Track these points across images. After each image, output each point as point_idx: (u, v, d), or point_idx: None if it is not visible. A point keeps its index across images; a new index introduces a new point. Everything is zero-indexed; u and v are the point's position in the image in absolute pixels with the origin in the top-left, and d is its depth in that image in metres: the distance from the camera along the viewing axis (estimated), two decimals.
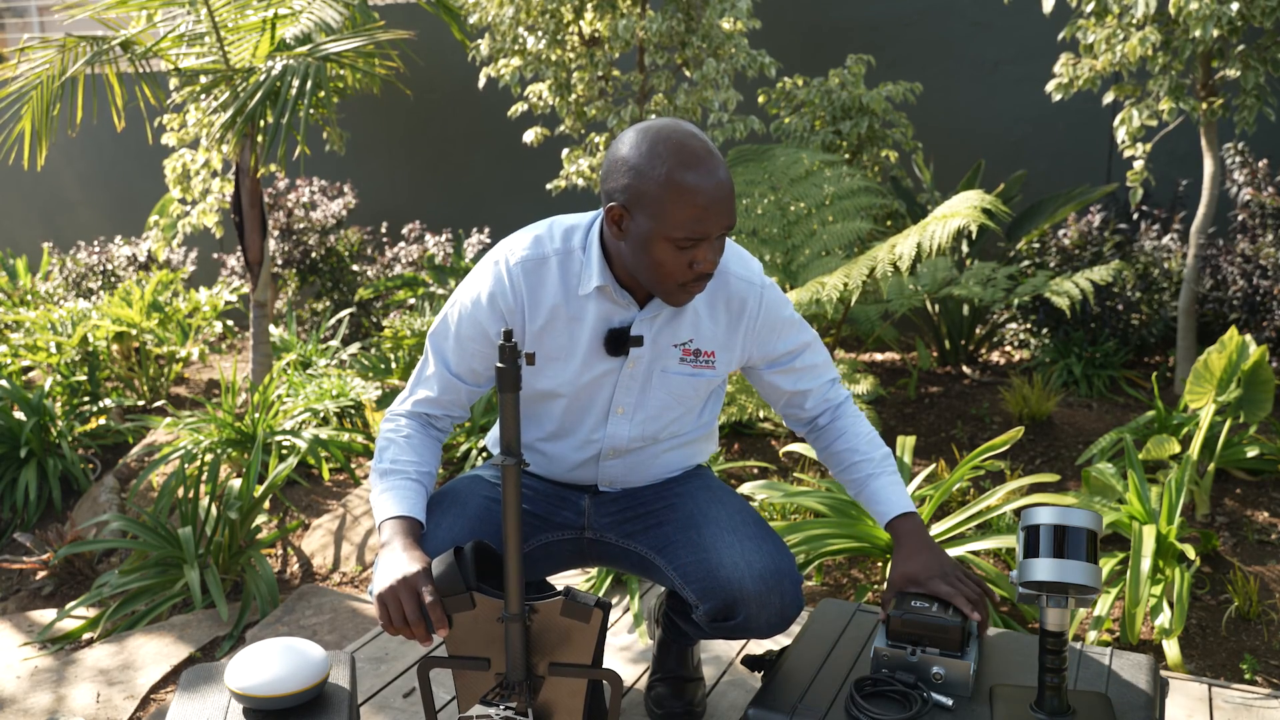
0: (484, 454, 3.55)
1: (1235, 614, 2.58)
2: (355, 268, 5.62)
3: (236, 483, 3.34)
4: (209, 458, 3.55)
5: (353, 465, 3.77)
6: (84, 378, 4.53)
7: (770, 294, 1.87)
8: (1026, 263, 4.33)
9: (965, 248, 4.61)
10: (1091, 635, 2.46)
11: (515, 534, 1.51)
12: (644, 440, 1.90)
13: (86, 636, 2.91)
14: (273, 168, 4.79)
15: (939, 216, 3.32)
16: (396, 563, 1.60)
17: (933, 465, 3.30)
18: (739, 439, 3.81)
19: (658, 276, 1.68)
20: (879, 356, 4.89)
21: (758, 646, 2.46)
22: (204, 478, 3.39)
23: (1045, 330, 4.34)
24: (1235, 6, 3.34)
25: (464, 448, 3.62)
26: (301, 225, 5.50)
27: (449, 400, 1.87)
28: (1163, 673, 2.26)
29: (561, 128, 4.55)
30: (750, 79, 4.88)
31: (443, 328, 1.85)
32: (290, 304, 5.66)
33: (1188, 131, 4.27)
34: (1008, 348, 4.77)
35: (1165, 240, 4.24)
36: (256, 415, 3.77)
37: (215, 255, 6.18)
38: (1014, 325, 4.54)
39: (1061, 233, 4.30)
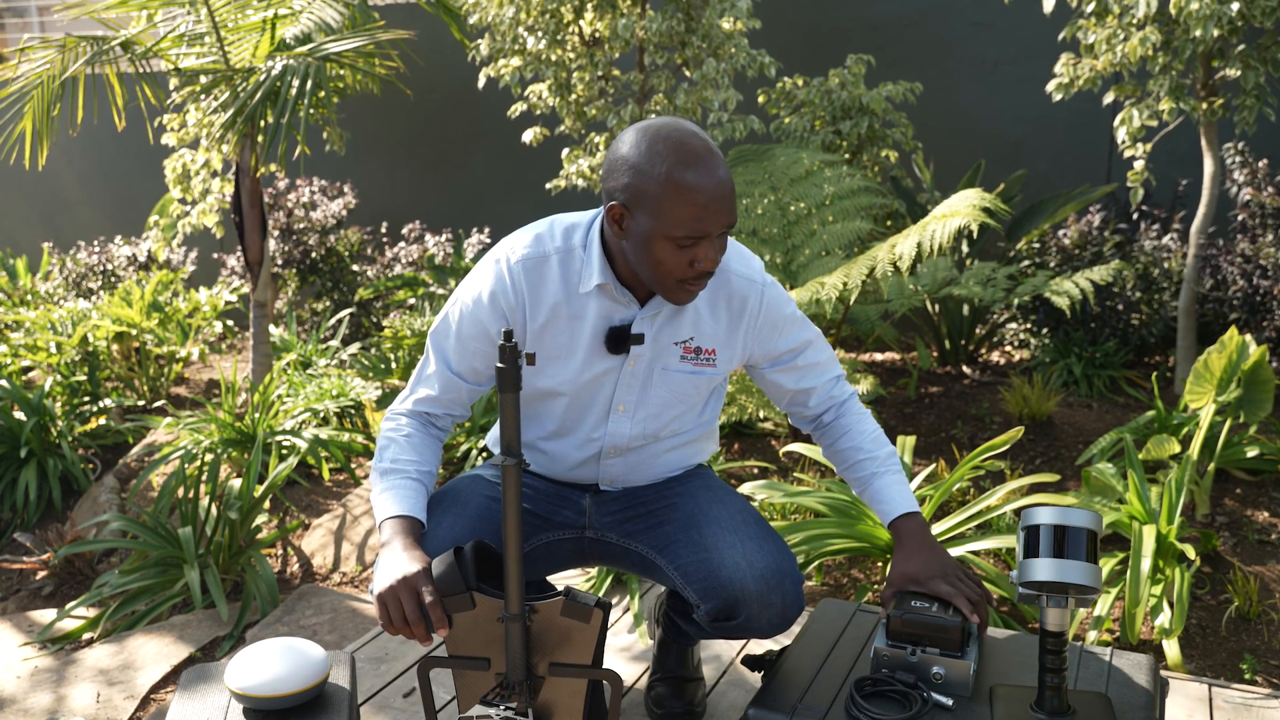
0: (484, 454, 3.55)
1: (1235, 614, 2.58)
2: (355, 268, 5.63)
3: (236, 483, 3.34)
4: (209, 458, 3.55)
5: (353, 465, 3.77)
6: (84, 378, 4.53)
7: (771, 292, 1.87)
8: (1026, 263, 4.33)
9: (965, 248, 4.61)
10: (1091, 635, 2.46)
11: (515, 534, 1.51)
12: (645, 439, 1.90)
13: (86, 636, 2.91)
14: (273, 168, 4.79)
15: (939, 216, 3.32)
16: (397, 562, 1.60)
17: (933, 465, 3.30)
18: (739, 439, 3.81)
19: (659, 275, 1.68)
20: (879, 356, 4.89)
21: (758, 646, 2.46)
22: (204, 478, 3.39)
23: (1045, 330, 4.34)
24: (1236, 6, 3.34)
25: (464, 448, 3.62)
26: (301, 225, 5.50)
27: (450, 399, 1.87)
28: (1163, 673, 2.26)
29: (561, 128, 4.55)
30: (750, 79, 4.88)
31: (444, 326, 1.85)
32: (290, 304, 5.66)
33: (1188, 131, 4.27)
34: (1008, 348, 4.77)
35: (1165, 240, 4.24)
36: (256, 415, 3.77)
37: (215, 255, 6.18)
38: (1014, 325, 4.54)
39: (1061, 233, 4.30)
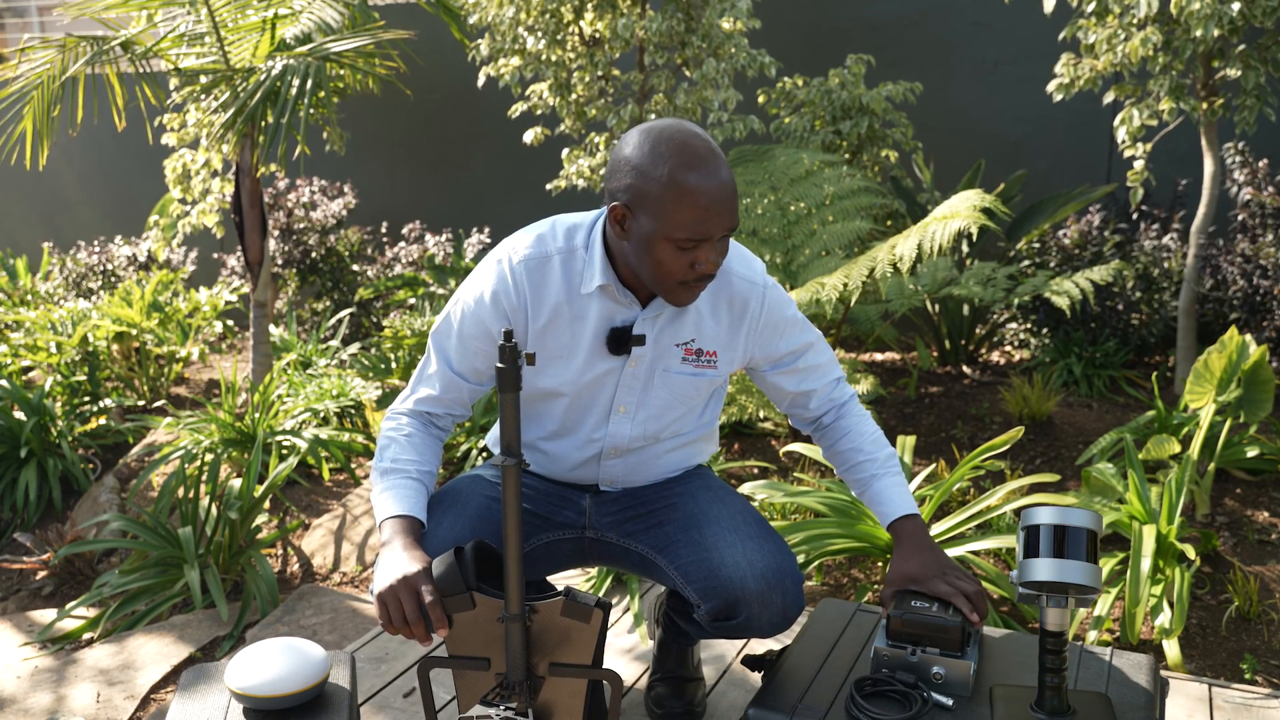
0: (484, 454, 3.55)
1: (1235, 614, 2.58)
2: (355, 268, 5.63)
3: (236, 483, 3.34)
4: (209, 458, 3.55)
5: (353, 465, 3.77)
6: (84, 378, 4.53)
7: (773, 294, 1.87)
8: (1026, 263, 4.33)
9: (965, 248, 4.61)
10: (1091, 635, 2.46)
11: (515, 534, 1.51)
12: (645, 440, 1.90)
13: (86, 636, 2.91)
14: (273, 167, 4.79)
15: (939, 217, 3.32)
16: (397, 562, 1.60)
17: (933, 465, 3.30)
18: (739, 439, 3.81)
19: (659, 276, 1.68)
20: (879, 356, 4.89)
21: (758, 646, 2.46)
22: (204, 478, 3.39)
23: (1045, 330, 4.34)
24: (1236, 6, 3.34)
25: (464, 448, 3.62)
26: (301, 225, 5.50)
27: (451, 399, 1.87)
28: (1163, 673, 2.26)
29: (561, 128, 4.55)
30: (750, 79, 4.88)
31: (445, 326, 1.85)
32: (290, 304, 5.66)
33: (1188, 131, 4.27)
34: (1008, 348, 4.77)
35: (1165, 240, 4.24)
36: (256, 415, 3.77)
37: (215, 255, 6.18)
38: (1014, 325, 4.54)
39: (1061, 233, 4.30)
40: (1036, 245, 4.36)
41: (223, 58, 3.85)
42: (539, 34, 4.30)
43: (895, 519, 1.86)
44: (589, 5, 4.24)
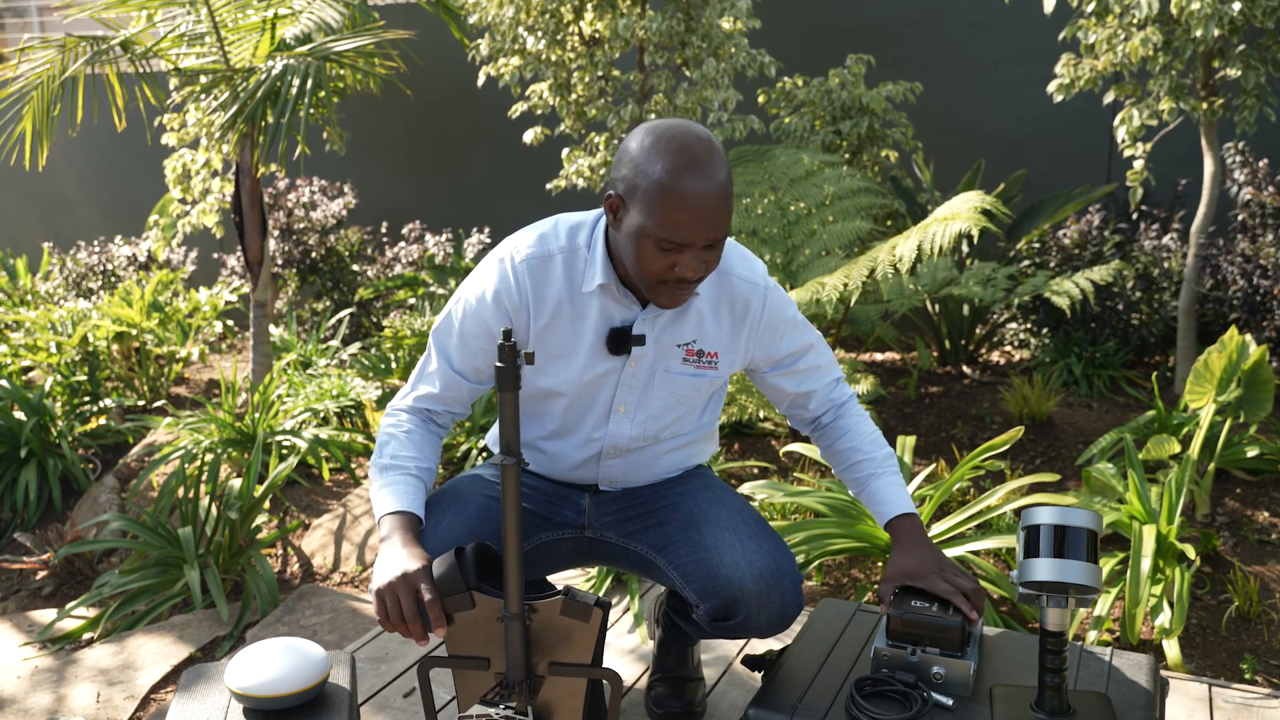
0: (484, 454, 3.55)
1: (1235, 614, 2.58)
2: (355, 268, 5.63)
3: (236, 483, 3.34)
4: (209, 458, 3.55)
5: (353, 465, 3.77)
6: (84, 378, 4.53)
7: (774, 295, 1.87)
8: (1026, 262, 4.33)
9: (965, 248, 4.61)
10: (1091, 635, 2.46)
11: (515, 533, 1.51)
12: (645, 440, 1.90)
13: (86, 636, 2.91)
14: (273, 167, 4.79)
15: (939, 219, 3.32)
16: (397, 559, 1.59)
17: (933, 465, 3.30)
18: (739, 439, 3.81)
19: (640, 271, 1.68)
20: (879, 356, 4.89)
21: (758, 646, 2.46)
22: (204, 478, 3.39)
23: (1045, 330, 4.34)
24: (1237, 6, 3.34)
25: (464, 448, 3.62)
26: (301, 225, 5.50)
27: (451, 397, 1.87)
28: (1163, 673, 2.26)
29: (561, 127, 4.56)
30: (750, 79, 4.88)
31: (446, 324, 1.84)
32: (290, 304, 5.66)
33: (1188, 131, 4.27)
34: (1008, 348, 4.77)
35: (1165, 240, 4.24)
36: (256, 415, 3.77)
37: (215, 255, 6.18)
38: (1014, 325, 4.54)
39: (1061, 233, 4.30)
40: (1036, 245, 4.36)
41: (223, 58, 3.85)
42: (539, 34, 4.30)
43: (893, 518, 1.86)
44: (589, 5, 4.24)
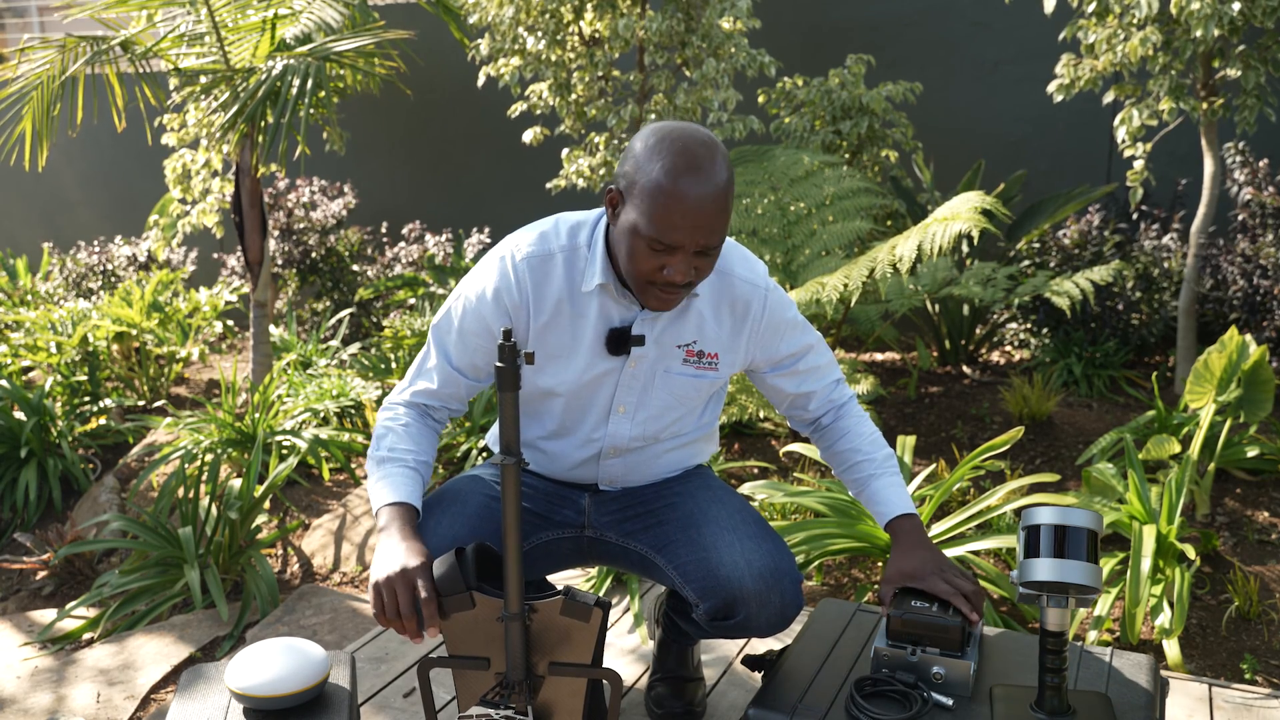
0: (484, 454, 3.55)
1: (1235, 614, 2.58)
2: (355, 268, 5.63)
3: (236, 483, 3.34)
4: (209, 458, 3.55)
5: (353, 465, 3.77)
6: (84, 378, 4.53)
7: (774, 296, 1.87)
8: (1026, 263, 4.33)
9: (965, 248, 4.61)
10: (1091, 635, 2.46)
11: (515, 533, 1.51)
12: (645, 440, 1.90)
13: (86, 636, 2.91)
14: (273, 167, 4.79)
15: (939, 219, 3.32)
16: (396, 553, 1.59)
17: (933, 465, 3.30)
18: (739, 439, 3.81)
19: (630, 269, 1.68)
20: (879, 356, 4.89)
21: (758, 646, 2.46)
22: (204, 478, 3.39)
23: (1045, 330, 4.34)
24: (1237, 6, 3.34)
25: (464, 448, 3.62)
26: (301, 225, 5.50)
27: (448, 393, 1.87)
28: (1163, 673, 2.26)
29: (561, 127, 4.56)
30: (750, 79, 4.88)
31: (446, 321, 1.84)
32: (290, 304, 5.66)
33: (1188, 131, 4.27)
34: (1008, 348, 4.77)
35: (1165, 240, 4.24)
36: (256, 415, 3.77)
37: (215, 255, 6.18)
38: (1014, 325, 4.54)
39: (1061, 233, 4.30)
40: (1036, 245, 4.36)
41: (223, 58, 3.85)
42: (539, 34, 4.30)
43: (893, 518, 1.86)
44: (589, 5, 4.24)
